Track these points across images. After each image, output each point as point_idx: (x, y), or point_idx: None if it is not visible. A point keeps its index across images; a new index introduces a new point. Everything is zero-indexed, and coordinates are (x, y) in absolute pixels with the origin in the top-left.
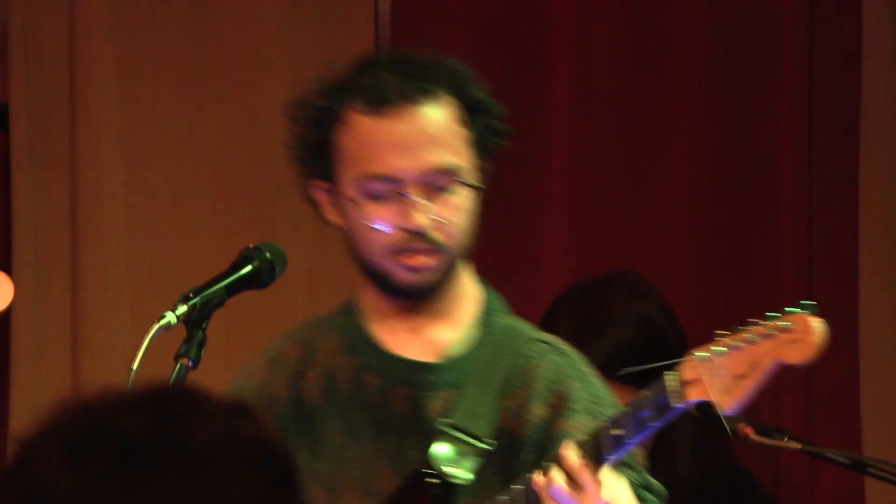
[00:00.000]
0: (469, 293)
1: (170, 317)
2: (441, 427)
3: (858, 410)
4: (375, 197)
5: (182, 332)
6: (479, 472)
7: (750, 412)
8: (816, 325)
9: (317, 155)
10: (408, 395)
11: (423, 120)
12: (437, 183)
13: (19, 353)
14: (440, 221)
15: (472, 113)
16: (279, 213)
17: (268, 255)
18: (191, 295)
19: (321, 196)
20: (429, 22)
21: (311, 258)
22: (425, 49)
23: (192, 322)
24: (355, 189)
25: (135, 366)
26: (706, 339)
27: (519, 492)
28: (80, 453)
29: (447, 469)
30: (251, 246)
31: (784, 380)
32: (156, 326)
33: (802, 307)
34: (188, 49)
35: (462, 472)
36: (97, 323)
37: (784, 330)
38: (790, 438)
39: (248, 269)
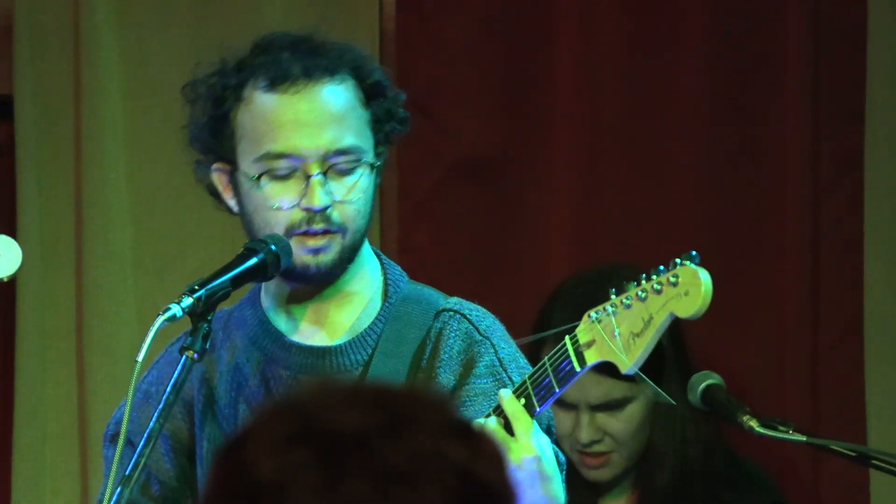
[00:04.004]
0: (368, 270)
1: (175, 309)
2: None
3: (863, 402)
4: (276, 176)
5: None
6: None
7: (754, 405)
8: (703, 275)
9: (216, 136)
10: None
11: (325, 99)
12: (338, 163)
13: (24, 342)
14: (340, 201)
15: (371, 96)
16: None
17: (273, 246)
18: (196, 287)
19: (221, 179)
20: (433, 11)
21: None
22: (323, 33)
23: (198, 314)
24: (256, 168)
25: (140, 357)
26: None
27: None
28: (288, 442)
29: None
30: (256, 238)
31: (788, 372)
32: (161, 318)
33: (689, 258)
34: (192, 38)
35: None
36: (102, 313)
37: (672, 283)
38: (795, 431)
39: (253, 261)
